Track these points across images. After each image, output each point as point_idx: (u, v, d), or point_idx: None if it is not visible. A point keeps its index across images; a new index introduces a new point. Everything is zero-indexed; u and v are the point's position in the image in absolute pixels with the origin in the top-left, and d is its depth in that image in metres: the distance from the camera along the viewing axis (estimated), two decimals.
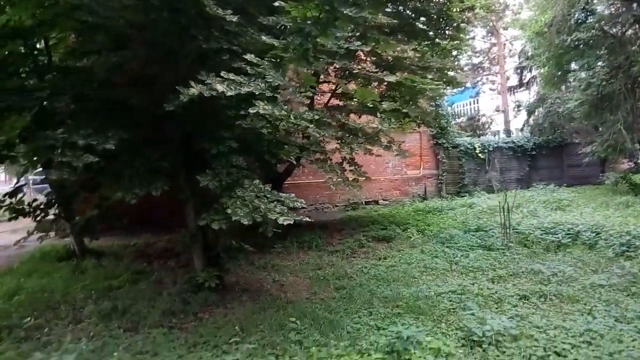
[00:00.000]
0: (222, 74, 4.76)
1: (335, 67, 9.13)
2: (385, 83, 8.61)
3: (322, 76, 9.38)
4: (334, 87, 10.23)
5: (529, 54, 22.32)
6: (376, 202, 17.66)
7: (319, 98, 10.51)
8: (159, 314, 5.54)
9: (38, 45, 6.52)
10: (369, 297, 5.78)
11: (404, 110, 6.92)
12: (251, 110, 4.52)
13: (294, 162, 11.01)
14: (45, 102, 4.83)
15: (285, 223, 4.64)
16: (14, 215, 7.29)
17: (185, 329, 5.20)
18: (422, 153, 18.41)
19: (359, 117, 9.22)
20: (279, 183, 10.71)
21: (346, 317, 5.05)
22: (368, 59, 9.25)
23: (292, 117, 5.26)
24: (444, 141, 18.47)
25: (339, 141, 6.55)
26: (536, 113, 22.57)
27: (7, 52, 5.70)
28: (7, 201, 7.26)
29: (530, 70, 25.83)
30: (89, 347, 4.09)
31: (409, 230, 10.83)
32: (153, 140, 5.90)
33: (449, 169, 18.39)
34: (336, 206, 16.60)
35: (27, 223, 17.18)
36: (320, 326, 4.82)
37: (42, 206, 8.00)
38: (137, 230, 12.27)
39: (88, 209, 7.08)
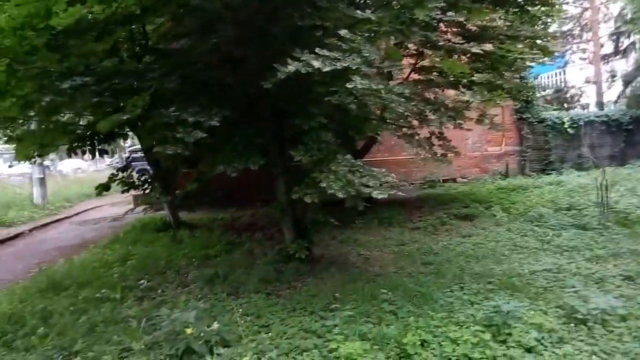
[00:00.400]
0: (316, 51, 4.87)
1: (417, 40, 8.92)
2: (469, 55, 8.29)
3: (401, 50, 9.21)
4: (413, 61, 10.01)
5: (628, 17, 20.27)
6: (454, 180, 17.17)
7: (397, 73, 10.35)
8: (256, 281, 5.89)
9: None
10: (459, 273, 5.75)
11: (498, 82, 6.63)
12: (348, 85, 4.60)
13: (375, 138, 11.03)
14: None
15: (379, 197, 4.72)
16: (126, 187, 7.97)
17: (281, 295, 5.50)
18: (505, 128, 17.55)
19: (442, 90, 8.99)
20: (357, 159, 10.80)
21: (437, 291, 5.07)
22: (449, 30, 8.93)
23: (383, 91, 5.29)
24: (529, 115, 17.41)
25: (425, 115, 6.46)
26: (634, 83, 20.59)
27: (117, 39, 6.22)
28: (119, 175, 7.96)
29: (629, 36, 23.48)
30: (203, 307, 4.46)
31: (492, 208, 10.49)
32: (247, 118, 6.19)
33: (534, 145, 17.36)
34: (412, 184, 16.37)
35: (122, 198, 18.77)
36: (413, 298, 4.89)
37: (149, 180, 8.69)
38: (222, 206, 13.00)
39: (187, 184, 7.57)
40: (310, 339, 3.99)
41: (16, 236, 11.42)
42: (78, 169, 33.15)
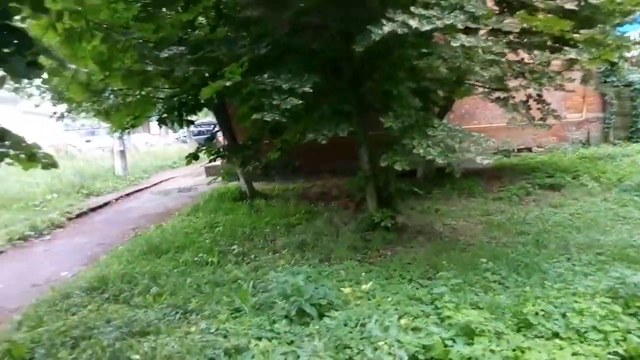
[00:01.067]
0: (412, 10, 4.62)
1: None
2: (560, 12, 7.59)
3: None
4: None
5: None
6: (529, 150, 16.28)
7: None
8: (345, 248, 5.89)
9: None
10: (562, 244, 5.43)
11: (600, 38, 6.02)
12: (454, 44, 4.34)
13: (449, 106, 10.58)
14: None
15: (484, 163, 4.50)
16: (213, 156, 8.17)
17: (372, 263, 5.47)
18: (586, 94, 16.27)
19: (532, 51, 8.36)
20: None
21: (543, 262, 4.82)
22: None
23: (481, 50, 4.98)
24: (614, 79, 15.99)
25: (524, 77, 6.02)
26: None
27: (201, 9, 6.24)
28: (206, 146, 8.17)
29: None
30: (307, 271, 4.50)
31: (580, 178, 9.85)
32: (332, 84, 6.08)
33: (619, 111, 16.00)
34: (484, 153, 15.64)
35: (192, 169, 19.37)
36: (517, 269, 4.68)
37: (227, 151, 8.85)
38: (290, 177, 13.12)
39: (261, 155, 7.60)
40: (416, 306, 3.92)
41: (105, 204, 12.17)
42: (146, 143, 34.78)
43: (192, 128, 32.52)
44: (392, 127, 5.48)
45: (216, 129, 34.84)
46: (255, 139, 7.08)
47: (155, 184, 16.11)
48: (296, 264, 5.40)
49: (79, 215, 10.75)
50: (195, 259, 5.77)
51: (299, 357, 3.04)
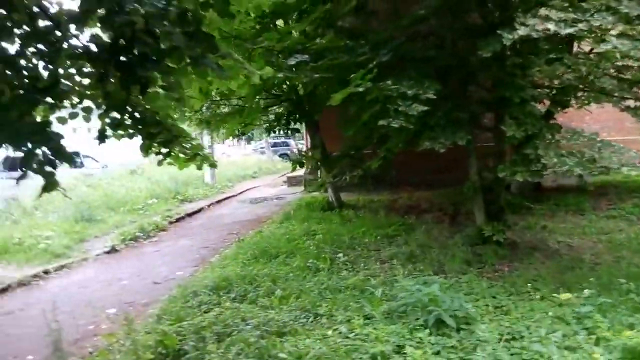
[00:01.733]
0: (547, 14, 4.44)
1: None
2: None
3: None
4: None
5: None
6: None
7: None
8: (457, 261, 5.71)
9: None
10: None
11: None
12: (604, 47, 4.10)
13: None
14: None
15: (588, 180, 4.19)
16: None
17: (491, 278, 5.23)
18: None
19: None
20: None
21: None
22: None
23: (619, 55, 4.66)
24: None
25: None
26: None
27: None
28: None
29: None
30: (440, 282, 4.40)
31: None
32: (448, 92, 5.98)
33: None
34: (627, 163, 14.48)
35: (272, 180, 19.87)
36: None
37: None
38: (373, 189, 12.93)
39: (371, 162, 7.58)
40: (561, 324, 3.68)
41: (199, 210, 12.79)
42: (223, 153, 36.37)
43: (269, 140, 33.65)
44: (514, 135, 5.29)
45: (274, 142, 35.18)
46: (359, 148, 7.11)
47: (241, 193, 16.71)
48: (409, 275, 5.29)
49: (178, 220, 11.37)
50: (308, 264, 5.84)
51: None
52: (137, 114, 3.14)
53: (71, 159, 2.81)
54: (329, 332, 3.70)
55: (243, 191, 17.12)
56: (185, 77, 2.86)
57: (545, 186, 11.68)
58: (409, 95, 4.76)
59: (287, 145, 34.89)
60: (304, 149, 16.60)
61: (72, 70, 2.87)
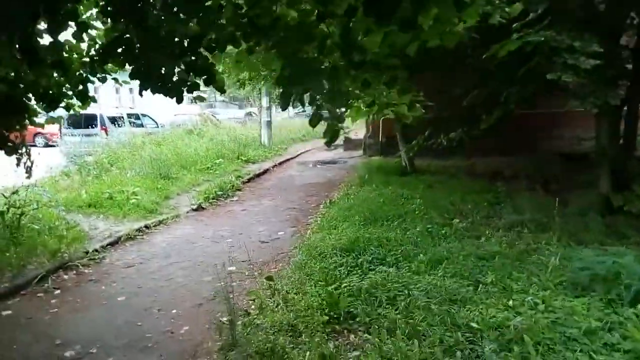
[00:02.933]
0: None
1: None
2: None
3: None
4: None
5: None
6: None
7: None
8: (594, 232, 5.28)
9: None
10: None
11: None
12: None
13: None
14: None
15: None
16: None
17: None
18: None
19: None
20: None
21: None
22: None
23: None
24: None
25: None
26: None
27: None
28: None
29: None
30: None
31: None
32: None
33: None
34: None
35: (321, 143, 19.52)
36: None
37: None
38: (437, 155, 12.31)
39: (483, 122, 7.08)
40: None
41: (265, 171, 12.61)
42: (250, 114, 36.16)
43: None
44: None
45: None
46: (471, 107, 6.62)
47: (298, 155, 16.45)
48: (548, 244, 4.90)
49: (250, 180, 11.23)
50: (428, 228, 5.54)
51: None
52: None
53: None
54: (510, 303, 3.40)
55: (300, 153, 16.86)
56: None
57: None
58: (576, 48, 4.24)
59: None
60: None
61: None
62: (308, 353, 2.96)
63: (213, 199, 8.84)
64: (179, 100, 3.10)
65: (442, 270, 4.10)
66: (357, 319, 3.41)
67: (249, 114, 29.85)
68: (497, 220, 6.18)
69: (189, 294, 4.54)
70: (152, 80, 2.94)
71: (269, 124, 17.14)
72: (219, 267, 5.13)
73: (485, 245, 4.86)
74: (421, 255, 4.50)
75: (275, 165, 13.77)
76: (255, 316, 3.67)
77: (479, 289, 3.70)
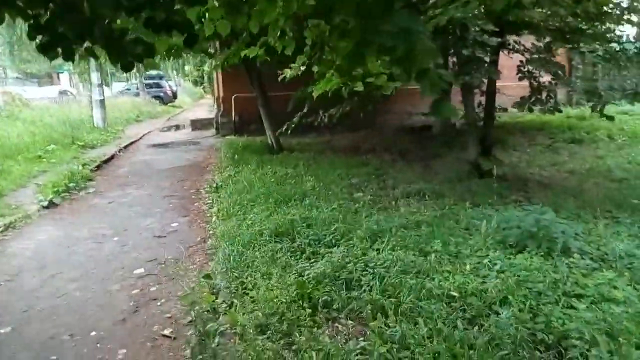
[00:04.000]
0: None
1: None
2: None
3: None
4: None
5: None
6: (505, 110, 17.01)
7: None
8: (482, 195, 5.85)
9: None
10: None
11: None
12: None
13: None
14: None
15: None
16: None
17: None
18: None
19: None
20: None
21: None
22: None
23: None
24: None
25: None
26: None
27: None
28: None
29: None
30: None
31: (590, 134, 10.83)
32: None
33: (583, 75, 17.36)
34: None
35: (161, 123, 18.11)
36: None
37: None
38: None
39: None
40: None
41: (112, 157, 11.00)
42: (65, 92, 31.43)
43: (137, 81, 29.98)
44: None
45: (145, 83, 31.85)
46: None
47: (141, 138, 14.77)
48: (450, 208, 5.33)
49: (98, 167, 9.65)
50: (341, 205, 5.50)
51: None
52: None
53: None
54: (467, 268, 3.58)
55: (142, 136, 15.14)
56: None
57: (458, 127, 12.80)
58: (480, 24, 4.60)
59: (160, 86, 31.72)
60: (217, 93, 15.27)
61: None
62: (308, 354, 2.64)
63: (64, 192, 7.33)
64: (128, 68, 2.34)
65: (386, 244, 4.11)
66: (334, 307, 3.18)
67: (64, 92, 25.65)
68: (391, 190, 6.51)
69: (99, 309, 3.65)
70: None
71: (102, 103, 14.95)
72: (123, 272, 4.33)
73: (407, 215, 5.04)
74: (358, 231, 4.44)
75: (121, 149, 12.12)
76: (216, 322, 3.13)
77: (429, 258, 3.80)
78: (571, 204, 5.37)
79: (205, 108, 27.17)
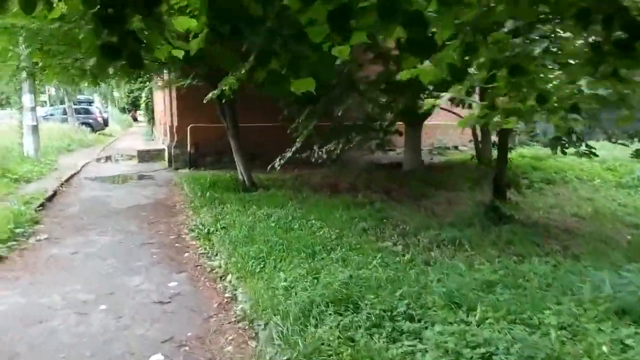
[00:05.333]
0: None
1: None
2: None
3: None
4: None
5: None
6: (455, 148, 17.37)
7: None
8: (518, 244, 5.44)
9: None
10: None
11: None
12: None
13: None
14: None
15: None
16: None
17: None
18: None
19: None
20: None
21: None
22: None
23: None
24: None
25: None
26: None
27: None
28: None
29: None
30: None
31: (558, 174, 10.99)
32: None
33: None
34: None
35: (96, 154, 16.50)
36: None
37: None
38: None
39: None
40: None
41: (54, 194, 9.37)
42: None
43: (66, 105, 27.28)
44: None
45: (90, 107, 29.84)
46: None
47: (79, 171, 12.98)
48: (501, 262, 4.80)
49: (42, 206, 8.08)
50: (384, 259, 4.75)
51: None
52: None
53: None
54: (605, 350, 2.94)
55: (80, 168, 13.35)
56: None
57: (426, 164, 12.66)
58: None
59: (89, 112, 29.21)
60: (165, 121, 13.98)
61: None
62: None
63: (11, 240, 5.87)
64: None
65: (480, 315, 3.39)
66: None
67: None
68: (413, 237, 5.86)
69: None
70: None
71: (35, 129, 13.04)
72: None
73: (462, 272, 4.39)
74: (429, 297, 3.70)
75: (62, 183, 10.46)
76: None
77: (550, 337, 3.12)
78: (618, 255, 5.06)
79: (139, 137, 25.32)
